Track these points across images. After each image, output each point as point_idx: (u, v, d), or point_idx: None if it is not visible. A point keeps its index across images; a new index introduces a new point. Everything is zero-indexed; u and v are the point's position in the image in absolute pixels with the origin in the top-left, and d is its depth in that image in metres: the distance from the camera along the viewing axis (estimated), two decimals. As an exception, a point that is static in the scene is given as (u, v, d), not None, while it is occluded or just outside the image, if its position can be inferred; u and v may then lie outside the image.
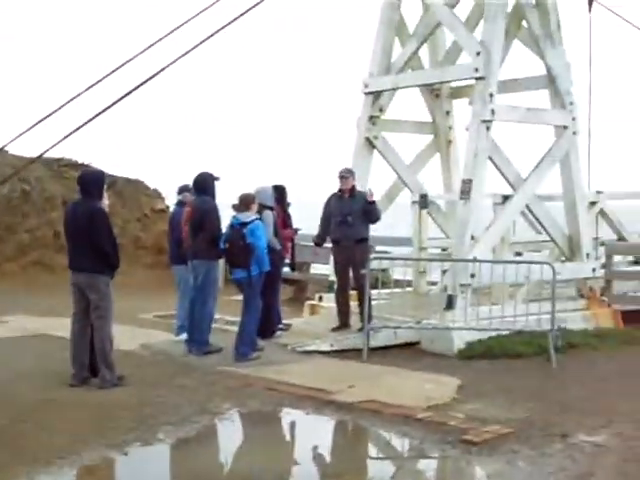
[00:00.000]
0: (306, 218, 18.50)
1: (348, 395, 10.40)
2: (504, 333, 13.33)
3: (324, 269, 17.99)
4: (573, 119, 15.30)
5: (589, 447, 8.59)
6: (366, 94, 16.33)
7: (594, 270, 15.44)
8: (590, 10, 17.29)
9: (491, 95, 14.18)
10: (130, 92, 10.69)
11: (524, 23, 15.35)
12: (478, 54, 14.27)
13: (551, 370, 12.18)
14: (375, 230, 15.16)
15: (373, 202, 13.78)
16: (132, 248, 22.86)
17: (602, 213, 16.88)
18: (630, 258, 17.40)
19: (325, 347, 13.12)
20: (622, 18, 17.44)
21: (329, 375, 11.53)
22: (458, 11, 15.57)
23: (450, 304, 13.76)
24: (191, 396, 10.45)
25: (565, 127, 15.20)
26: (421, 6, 16.30)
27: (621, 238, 17.27)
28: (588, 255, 15.42)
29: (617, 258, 16.72)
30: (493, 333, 13.34)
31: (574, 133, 15.34)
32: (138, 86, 10.75)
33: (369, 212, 13.71)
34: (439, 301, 14.33)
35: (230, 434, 9.55)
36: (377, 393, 10.44)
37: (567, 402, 10.29)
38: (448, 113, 17.69)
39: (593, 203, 16.53)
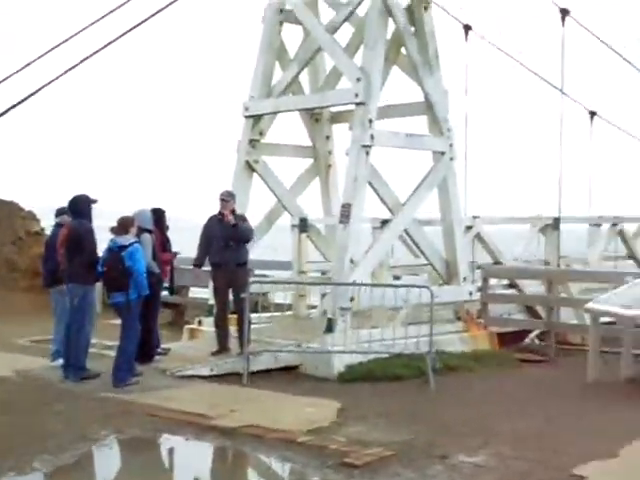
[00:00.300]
0: (185, 241, 18.34)
1: (229, 420, 10.30)
2: (384, 356, 13.45)
3: (203, 293, 17.85)
4: (450, 145, 15.57)
5: (469, 468, 8.70)
6: (246, 117, 16.33)
7: (471, 293, 15.70)
8: (467, 39, 17.72)
9: (370, 120, 14.34)
10: (4, 113, 10.45)
11: (403, 50, 15.58)
12: (358, 80, 14.41)
13: (430, 392, 12.32)
14: (255, 253, 15.12)
15: (236, 225, 13.77)
16: (6, 271, 22.30)
17: (478, 237, 17.20)
18: (505, 281, 17.75)
19: (205, 371, 13.00)
20: (497, 47, 17.92)
21: (209, 400, 11.42)
22: (338, 37, 15.71)
23: (330, 327, 13.81)
24: (68, 423, 10.21)
25: (442, 153, 15.46)
26: (302, 31, 16.41)
27: (497, 262, 17.63)
28: (465, 278, 15.68)
29: (493, 281, 17.05)
30: (373, 356, 13.44)
31: (451, 159, 15.62)
32: (11, 107, 10.53)
33: (239, 234, 13.71)
34: (319, 324, 14.37)
35: (109, 461, 9.36)
36: (258, 418, 10.37)
37: (446, 424, 10.41)
38: (328, 138, 17.78)
39: (469, 227, 16.85)
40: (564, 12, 18.24)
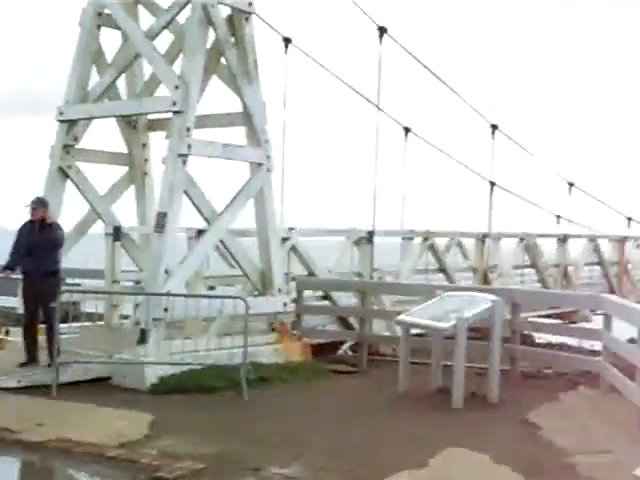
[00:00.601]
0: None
1: (36, 434, 9.97)
2: (197, 367, 13.34)
3: (11, 301, 17.29)
4: (267, 157, 15.61)
5: (281, 480, 8.72)
6: (60, 122, 15.91)
7: (285, 304, 15.77)
8: (286, 52, 17.86)
9: (188, 129, 14.23)
10: None
11: (223, 60, 15.51)
12: (176, 88, 14.28)
13: (243, 404, 12.29)
14: (67, 261, 14.75)
15: (46, 229, 13.47)
16: None
17: (294, 249, 17.31)
18: (319, 293, 17.94)
19: (12, 383, 12.55)
20: (316, 62, 18.14)
21: (16, 413, 11.00)
22: (158, 43, 15.50)
23: (143, 338, 13.60)
24: None
25: (260, 164, 15.48)
26: (120, 36, 16.13)
27: (311, 273, 17.79)
28: (280, 290, 15.74)
29: (307, 293, 17.19)
30: (186, 368, 13.31)
31: (268, 170, 15.65)
32: None
33: (46, 242, 13.37)
34: (132, 335, 14.12)
35: None
36: (67, 431, 10.08)
37: (259, 435, 10.40)
38: (145, 145, 17.48)
39: (285, 239, 16.93)
40: (382, 30, 18.69)
